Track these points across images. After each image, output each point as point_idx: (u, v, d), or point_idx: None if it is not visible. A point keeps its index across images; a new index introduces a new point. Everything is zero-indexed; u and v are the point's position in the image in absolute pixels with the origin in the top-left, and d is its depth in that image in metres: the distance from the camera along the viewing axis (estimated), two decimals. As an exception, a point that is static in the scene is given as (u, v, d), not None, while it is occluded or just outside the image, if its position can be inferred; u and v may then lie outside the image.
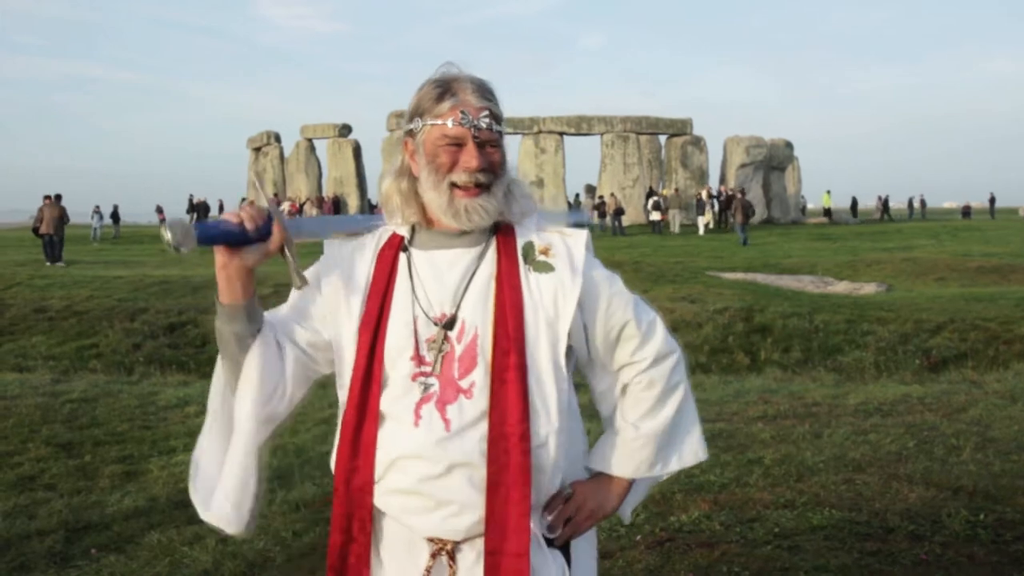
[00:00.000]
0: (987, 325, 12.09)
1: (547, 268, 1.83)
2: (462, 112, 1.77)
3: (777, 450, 5.84)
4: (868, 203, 54.24)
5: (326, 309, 1.90)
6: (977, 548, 4.12)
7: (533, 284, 1.81)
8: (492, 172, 1.81)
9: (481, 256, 1.84)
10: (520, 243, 1.86)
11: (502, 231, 1.87)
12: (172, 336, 13.23)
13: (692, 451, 1.95)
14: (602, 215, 34.71)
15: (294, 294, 1.95)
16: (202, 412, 7.08)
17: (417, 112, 1.83)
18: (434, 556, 1.80)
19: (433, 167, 1.80)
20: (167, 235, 1.67)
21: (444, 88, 1.80)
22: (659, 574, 3.99)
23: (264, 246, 1.79)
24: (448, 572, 1.79)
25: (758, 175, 40.13)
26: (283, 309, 1.97)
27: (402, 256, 1.87)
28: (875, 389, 8.38)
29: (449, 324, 1.79)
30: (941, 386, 8.47)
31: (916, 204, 51.41)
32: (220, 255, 1.79)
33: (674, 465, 1.94)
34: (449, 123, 1.77)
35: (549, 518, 1.84)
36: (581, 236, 1.90)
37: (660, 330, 1.91)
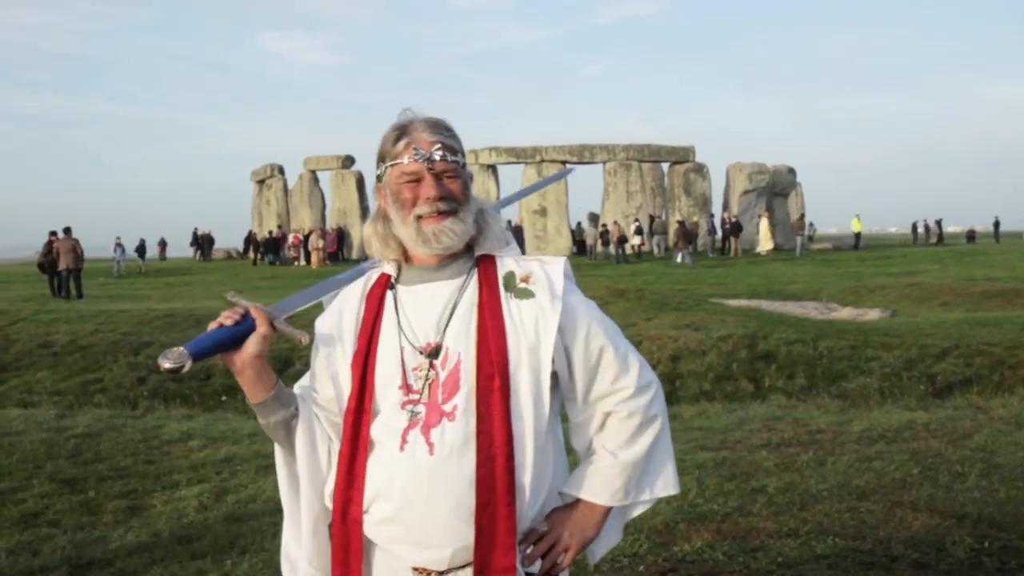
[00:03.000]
0: (992, 350, 12.05)
1: (527, 295, 1.91)
2: (415, 148, 1.88)
3: (781, 478, 5.83)
4: (872, 228, 54.11)
5: (329, 360, 1.98)
6: (982, 576, 4.10)
7: (514, 310, 1.89)
8: (454, 200, 1.90)
9: (463, 287, 1.92)
10: (501, 273, 1.94)
11: (483, 262, 1.95)
12: (176, 369, 13.24)
13: (664, 483, 2.01)
14: (606, 243, 34.77)
15: (311, 357, 2.04)
16: (206, 446, 7.12)
17: (380, 157, 1.94)
18: None
19: (398, 204, 1.91)
20: (166, 364, 1.79)
21: (400, 131, 1.92)
22: (662, 605, 3.98)
23: (256, 333, 1.88)
24: None
25: (761, 201, 40.22)
26: (307, 377, 2.06)
27: (389, 293, 1.96)
28: (880, 415, 8.36)
29: (434, 352, 1.87)
30: (946, 412, 8.44)
31: (920, 229, 51.25)
32: (228, 362, 1.89)
33: (646, 495, 1.99)
34: (405, 160, 1.88)
35: (528, 551, 1.87)
36: (559, 263, 1.99)
37: (637, 360, 1.97)
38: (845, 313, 17.20)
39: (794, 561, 4.35)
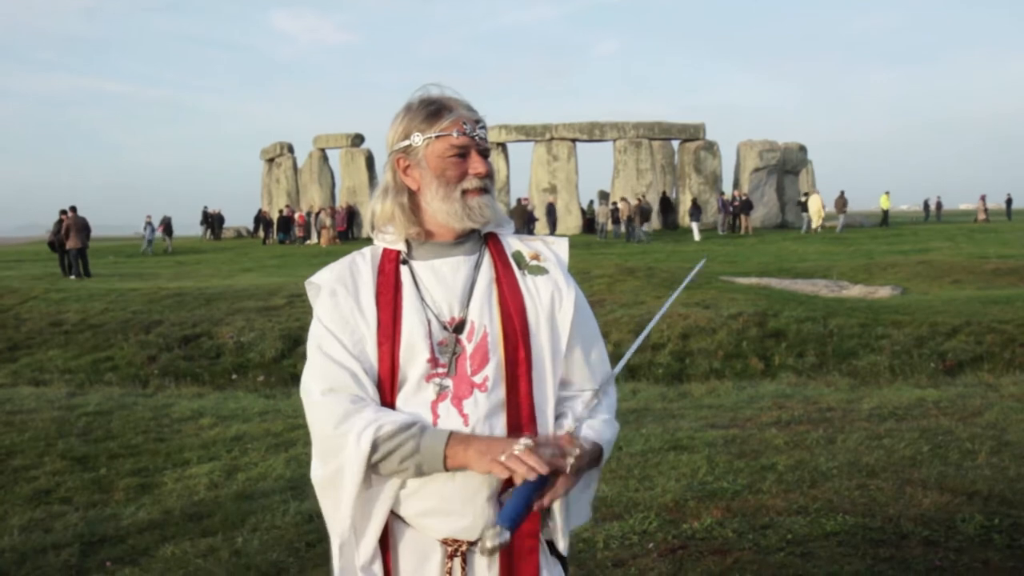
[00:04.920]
0: (1003, 328, 11.99)
1: (541, 271, 1.99)
2: (464, 123, 1.91)
3: (791, 456, 5.82)
4: (873, 206, 53.87)
5: (354, 337, 1.89)
6: (992, 553, 4.10)
7: (531, 285, 1.96)
8: (491, 179, 1.97)
9: (478, 263, 1.97)
10: (509, 252, 2.00)
11: (491, 240, 2.01)
12: (187, 348, 13.29)
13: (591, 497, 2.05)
14: (615, 221, 34.71)
15: (321, 335, 1.90)
16: (216, 424, 7.14)
17: (410, 131, 1.93)
18: (450, 558, 1.87)
19: (443, 180, 1.91)
20: (490, 543, 1.68)
21: (438, 105, 1.93)
22: (671, 582, 3.98)
23: (562, 477, 1.81)
24: (461, 574, 1.86)
25: (771, 179, 40.03)
26: (330, 366, 1.89)
27: (404, 268, 1.96)
28: (890, 393, 8.34)
29: (459, 327, 1.90)
30: (957, 390, 8.42)
31: (932, 206, 51.06)
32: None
33: (591, 487, 2.03)
34: (455, 134, 1.90)
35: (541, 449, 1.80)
36: (563, 243, 2.08)
37: (610, 371, 2.04)
38: (856, 291, 17.12)
39: (804, 538, 4.35)
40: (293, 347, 12.97)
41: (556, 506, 1.90)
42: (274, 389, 10.98)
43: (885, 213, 42.21)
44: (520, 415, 1.86)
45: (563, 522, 1.93)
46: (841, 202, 38.20)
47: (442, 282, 1.93)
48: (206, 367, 12.62)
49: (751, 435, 6.53)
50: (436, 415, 1.84)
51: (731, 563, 4.09)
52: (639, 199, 34.65)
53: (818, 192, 37.65)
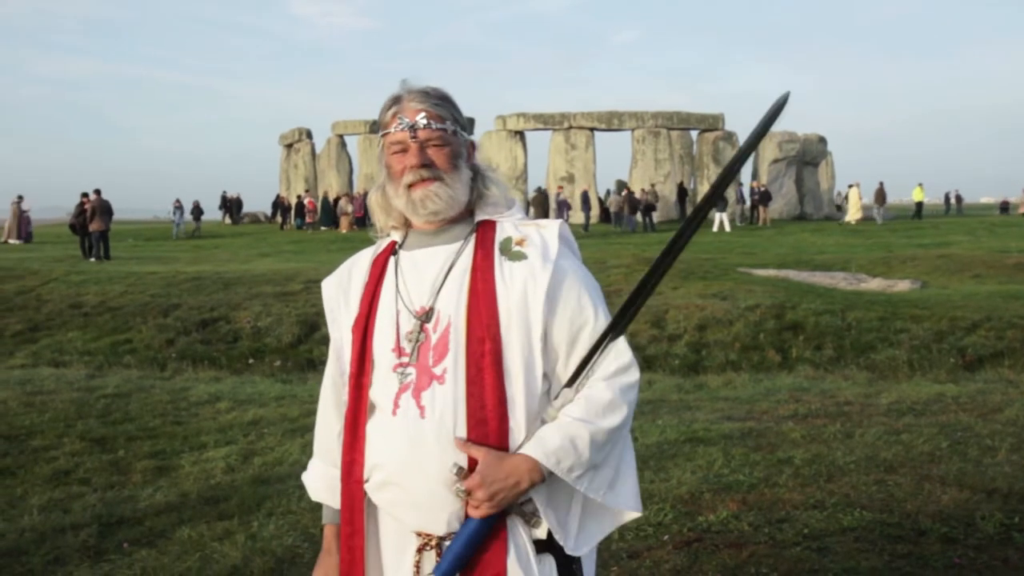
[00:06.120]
0: (1024, 323, 11.90)
1: (520, 257, 1.90)
2: (399, 118, 1.91)
3: (808, 450, 5.80)
4: (903, 198, 53.46)
5: (337, 325, 2.06)
6: (1012, 552, 4.06)
7: (507, 273, 1.88)
8: (435, 167, 1.90)
9: (459, 251, 1.93)
10: (499, 238, 1.94)
11: (482, 227, 1.96)
12: (204, 332, 13.35)
13: (626, 496, 1.88)
14: (633, 211, 34.62)
15: (332, 345, 2.09)
16: (233, 408, 7.17)
17: (380, 122, 1.98)
18: (420, 550, 1.86)
19: (390, 175, 1.95)
20: None
21: (391, 101, 1.95)
22: (687, 574, 3.97)
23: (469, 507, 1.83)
24: (435, 565, 1.83)
25: (791, 170, 39.77)
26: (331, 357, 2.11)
27: (391, 259, 1.99)
28: (908, 388, 8.29)
29: (427, 316, 1.88)
30: (976, 385, 8.36)
31: (953, 199, 50.64)
32: None
33: (600, 492, 1.84)
34: (392, 129, 1.92)
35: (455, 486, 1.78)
36: (554, 226, 1.97)
37: (622, 339, 1.89)
38: (874, 284, 17.01)
39: (820, 533, 4.33)
40: (310, 332, 13.02)
41: (540, 501, 1.81)
42: (291, 374, 11.04)
43: (919, 205, 41.41)
44: (484, 410, 1.79)
45: (556, 521, 1.83)
46: (880, 194, 37.84)
47: (418, 271, 1.93)
48: (223, 351, 12.68)
49: (768, 428, 6.50)
50: (396, 405, 1.84)
51: (747, 556, 4.08)
52: (643, 190, 34.98)
53: (858, 185, 37.39)
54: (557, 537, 1.84)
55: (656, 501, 4.85)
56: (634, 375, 1.88)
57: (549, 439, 1.78)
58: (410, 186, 1.90)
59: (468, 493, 1.75)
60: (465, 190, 1.94)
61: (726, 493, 4.95)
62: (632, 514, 1.91)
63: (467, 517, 1.78)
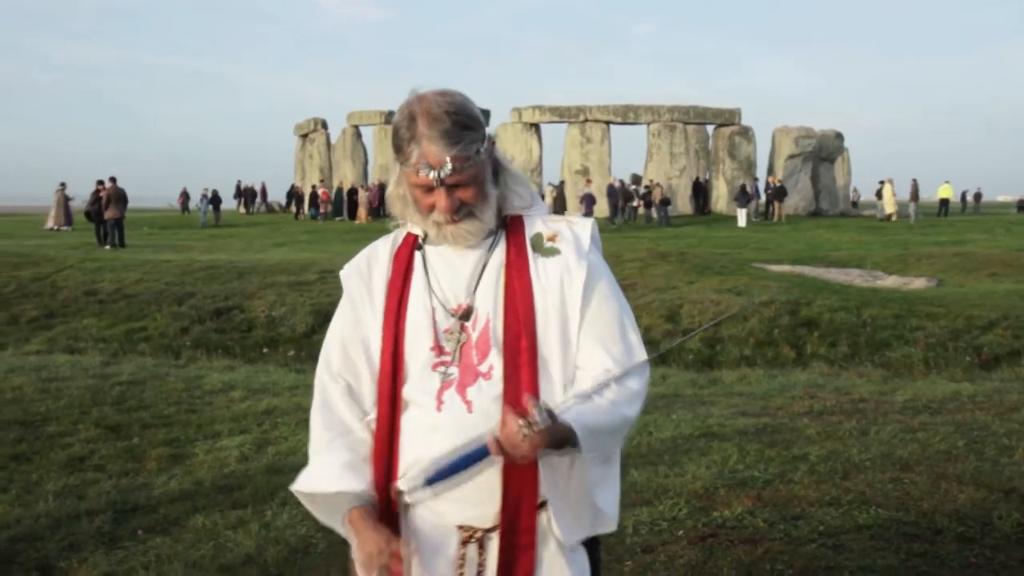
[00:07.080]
0: (1042, 322, 11.82)
1: (553, 252, 1.90)
2: (424, 163, 1.80)
3: (823, 447, 5.77)
4: (923, 195, 53.17)
5: (360, 322, 1.96)
6: (1029, 552, 4.03)
7: (541, 269, 1.88)
8: (467, 205, 1.85)
9: (491, 249, 1.91)
10: (529, 234, 1.93)
11: (511, 222, 1.94)
12: (219, 321, 13.40)
13: (605, 501, 1.87)
14: (648, 205, 34.52)
15: (339, 313, 2.01)
16: (247, 397, 7.18)
17: (396, 144, 1.86)
18: (464, 544, 1.84)
19: (418, 205, 1.88)
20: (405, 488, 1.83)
21: (411, 133, 1.81)
22: (701, 570, 3.96)
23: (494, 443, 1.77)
24: (478, 561, 1.84)
25: (807, 166, 39.56)
26: (332, 353, 2.01)
27: (417, 254, 1.95)
28: (924, 386, 8.24)
29: (465, 314, 1.87)
30: (993, 384, 8.31)
31: (970, 198, 50.27)
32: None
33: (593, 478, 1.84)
34: (418, 173, 1.81)
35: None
36: (587, 223, 1.97)
37: (639, 345, 1.91)
38: (890, 281, 16.94)
39: (836, 530, 4.30)
40: (324, 323, 13.03)
41: (551, 495, 1.82)
42: (304, 364, 11.06)
43: (945, 202, 40.94)
44: (519, 408, 1.75)
45: (553, 512, 1.83)
46: (915, 191, 37.45)
47: (451, 268, 1.91)
48: (237, 340, 12.73)
49: (783, 424, 6.47)
50: (440, 401, 1.83)
51: (762, 553, 4.06)
52: (647, 184, 35.31)
53: (891, 181, 37.15)
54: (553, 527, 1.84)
55: (671, 496, 4.83)
56: (647, 370, 1.92)
57: (589, 417, 1.77)
58: (438, 223, 1.86)
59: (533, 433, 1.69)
60: (494, 207, 1.90)
61: (741, 489, 4.93)
62: (608, 526, 1.90)
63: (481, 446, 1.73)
